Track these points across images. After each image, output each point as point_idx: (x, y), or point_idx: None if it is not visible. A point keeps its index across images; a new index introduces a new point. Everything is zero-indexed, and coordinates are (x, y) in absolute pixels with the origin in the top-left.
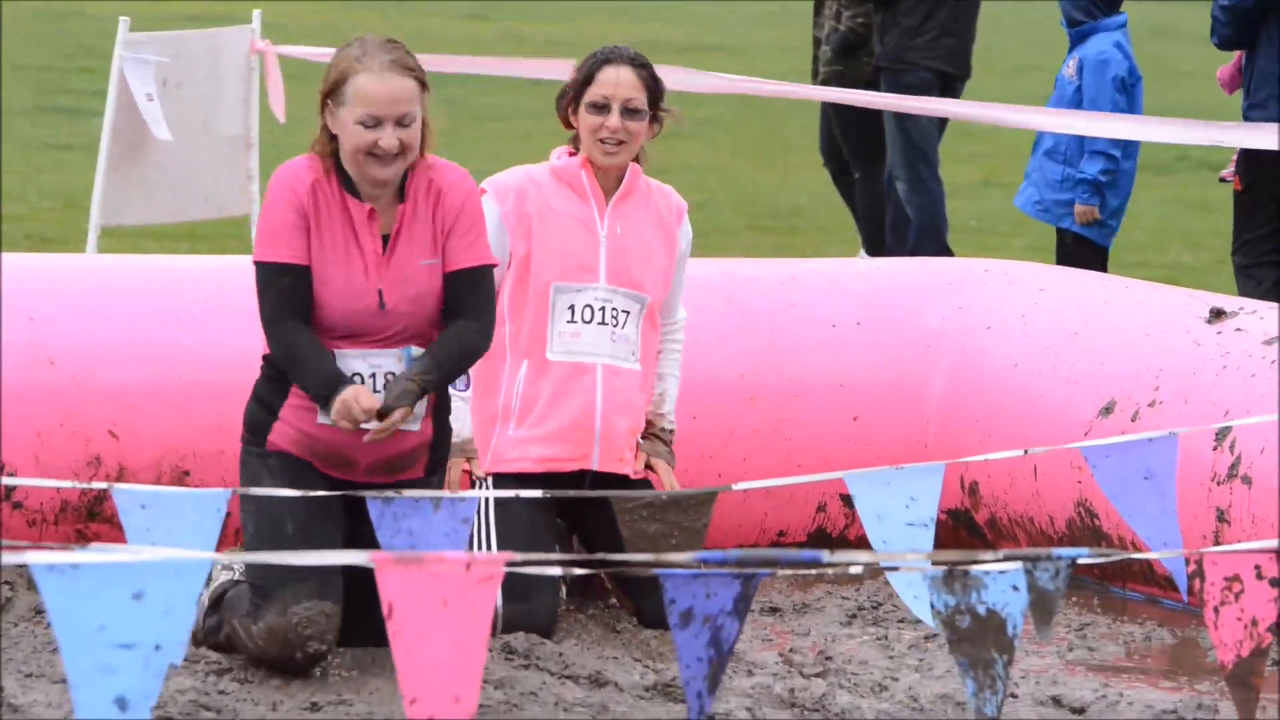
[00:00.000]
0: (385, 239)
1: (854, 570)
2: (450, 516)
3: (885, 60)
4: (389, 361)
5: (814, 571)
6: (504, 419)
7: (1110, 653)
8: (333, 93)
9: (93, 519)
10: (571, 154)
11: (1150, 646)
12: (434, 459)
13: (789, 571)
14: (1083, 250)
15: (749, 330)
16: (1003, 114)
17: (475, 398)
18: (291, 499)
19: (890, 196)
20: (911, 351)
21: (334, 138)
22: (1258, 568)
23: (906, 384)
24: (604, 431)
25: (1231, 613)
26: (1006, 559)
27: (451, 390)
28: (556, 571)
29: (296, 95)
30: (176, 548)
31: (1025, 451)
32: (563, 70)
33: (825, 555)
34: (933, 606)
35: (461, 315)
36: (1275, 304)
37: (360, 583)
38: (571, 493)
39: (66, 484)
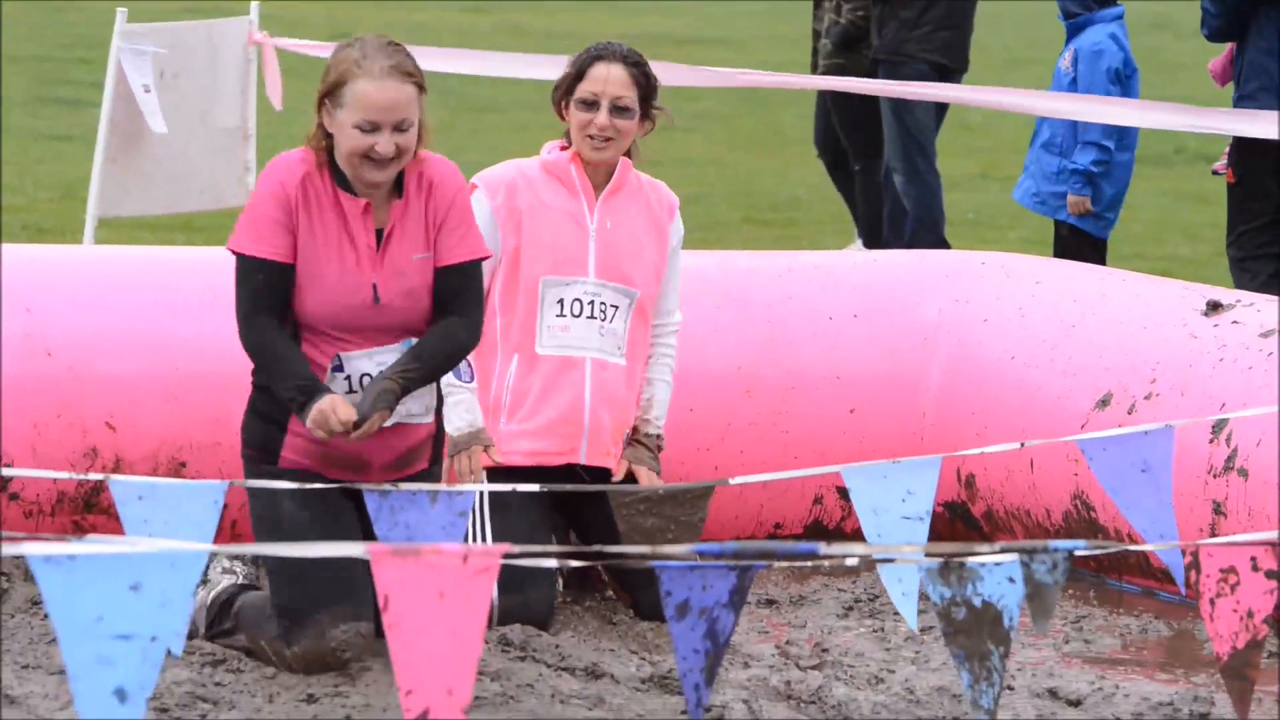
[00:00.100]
0: (378, 233)
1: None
2: (447, 509)
3: (883, 53)
4: (392, 356)
5: (810, 564)
6: (494, 413)
7: (1106, 645)
8: (331, 94)
9: (89, 510)
10: (564, 148)
11: (1146, 639)
12: (436, 450)
13: (785, 564)
14: (1079, 243)
15: (746, 323)
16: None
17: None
18: (314, 528)
19: (887, 189)
20: (908, 344)
21: (329, 134)
22: (1254, 560)
23: (903, 376)
24: (592, 426)
25: (1227, 605)
26: (1003, 551)
27: (457, 382)
28: (553, 564)
29: (293, 88)
30: (174, 539)
31: (1022, 444)
32: (558, 67)
33: (822, 548)
34: (929, 599)
35: (452, 310)
36: (1272, 297)
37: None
38: (568, 487)
39: (63, 475)
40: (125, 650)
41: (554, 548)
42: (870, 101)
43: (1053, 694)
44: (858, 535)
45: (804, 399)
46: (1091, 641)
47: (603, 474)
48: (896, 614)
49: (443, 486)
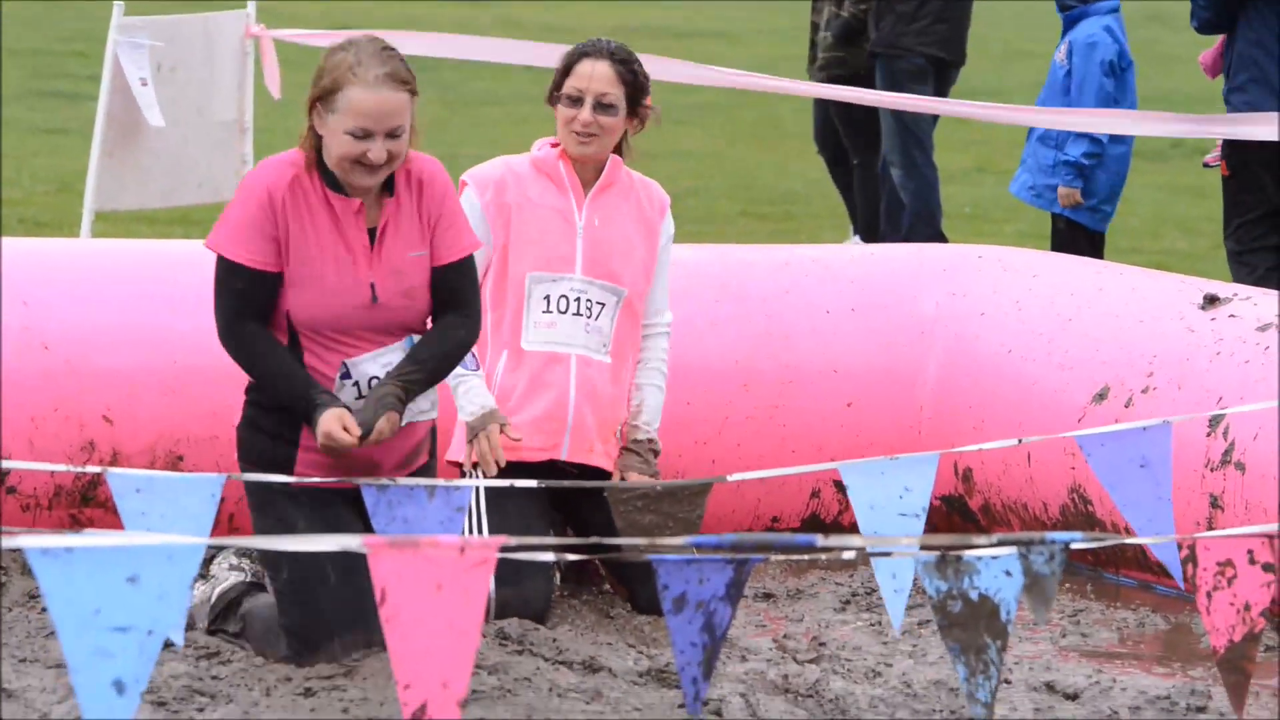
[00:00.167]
0: (371, 232)
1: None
2: (445, 504)
3: (880, 46)
4: (396, 355)
5: (807, 557)
6: None
7: (1103, 639)
8: (324, 98)
9: (86, 504)
10: (555, 145)
11: (1143, 632)
12: (433, 443)
13: (782, 557)
14: (1076, 236)
15: (744, 316)
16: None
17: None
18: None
19: (885, 182)
20: (905, 337)
21: (319, 135)
22: (1250, 553)
23: (900, 370)
24: (575, 422)
25: (1224, 598)
26: (1000, 544)
27: (463, 371)
28: (550, 557)
29: (291, 79)
30: (171, 532)
31: (1020, 441)
32: (553, 54)
33: (819, 540)
34: (925, 592)
35: (450, 308)
36: (1269, 290)
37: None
38: (566, 483)
39: (60, 468)
40: (123, 642)
41: (551, 540)
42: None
43: (1050, 687)
44: (855, 529)
45: (801, 393)
46: (1089, 635)
47: (594, 474)
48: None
49: (440, 481)
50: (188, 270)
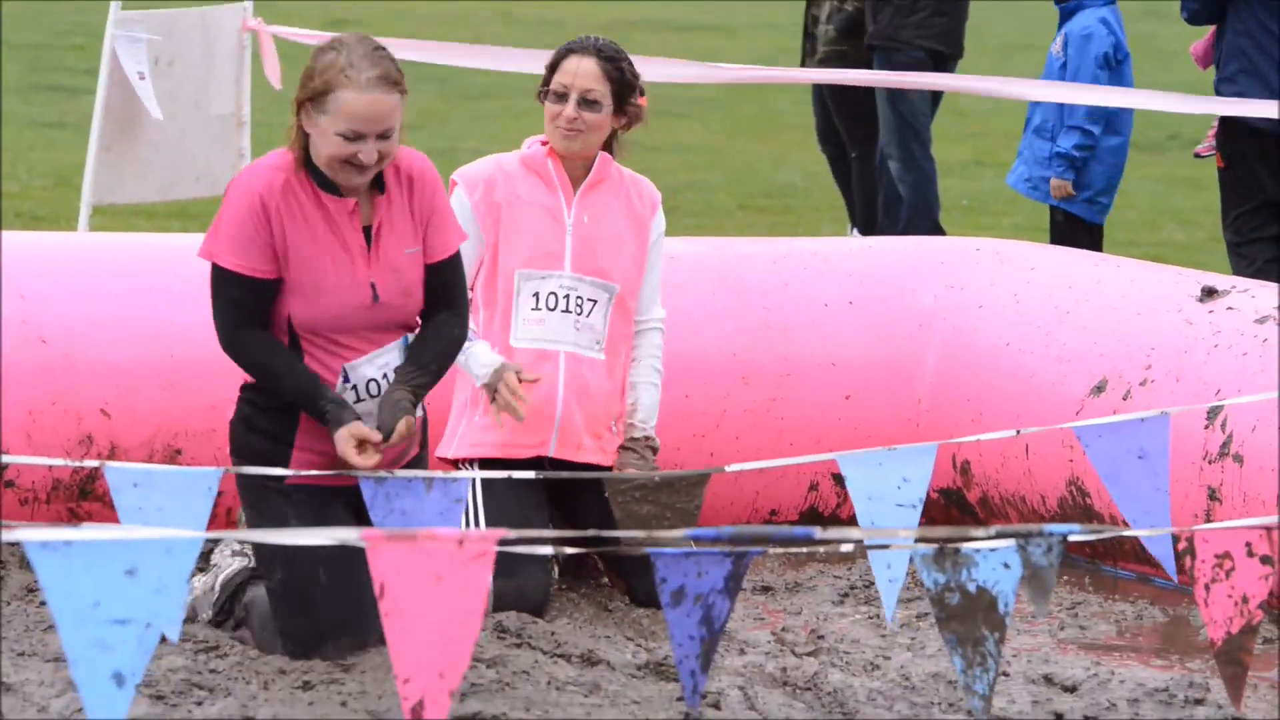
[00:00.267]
0: (365, 231)
1: (845, 549)
2: (443, 496)
3: (877, 39)
4: (393, 356)
5: (806, 550)
6: (472, 406)
7: (1102, 631)
8: (314, 100)
9: (84, 498)
10: (545, 143)
11: (1142, 625)
12: (424, 434)
13: (781, 550)
14: (1074, 228)
15: (742, 310)
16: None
17: (445, 383)
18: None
19: (882, 175)
20: (904, 330)
21: (306, 133)
22: (1248, 545)
23: (899, 363)
24: (563, 420)
25: (1222, 590)
26: (998, 536)
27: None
28: (548, 550)
29: (290, 74)
30: (168, 526)
31: (1018, 432)
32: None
33: (817, 532)
34: (923, 584)
35: (443, 305)
36: (1266, 282)
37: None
38: (564, 474)
39: (58, 462)
40: (122, 635)
41: (549, 532)
42: (866, 88)
43: (1048, 680)
44: (853, 521)
45: (800, 386)
46: (1087, 627)
47: (583, 470)
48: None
49: (438, 473)
50: (185, 264)
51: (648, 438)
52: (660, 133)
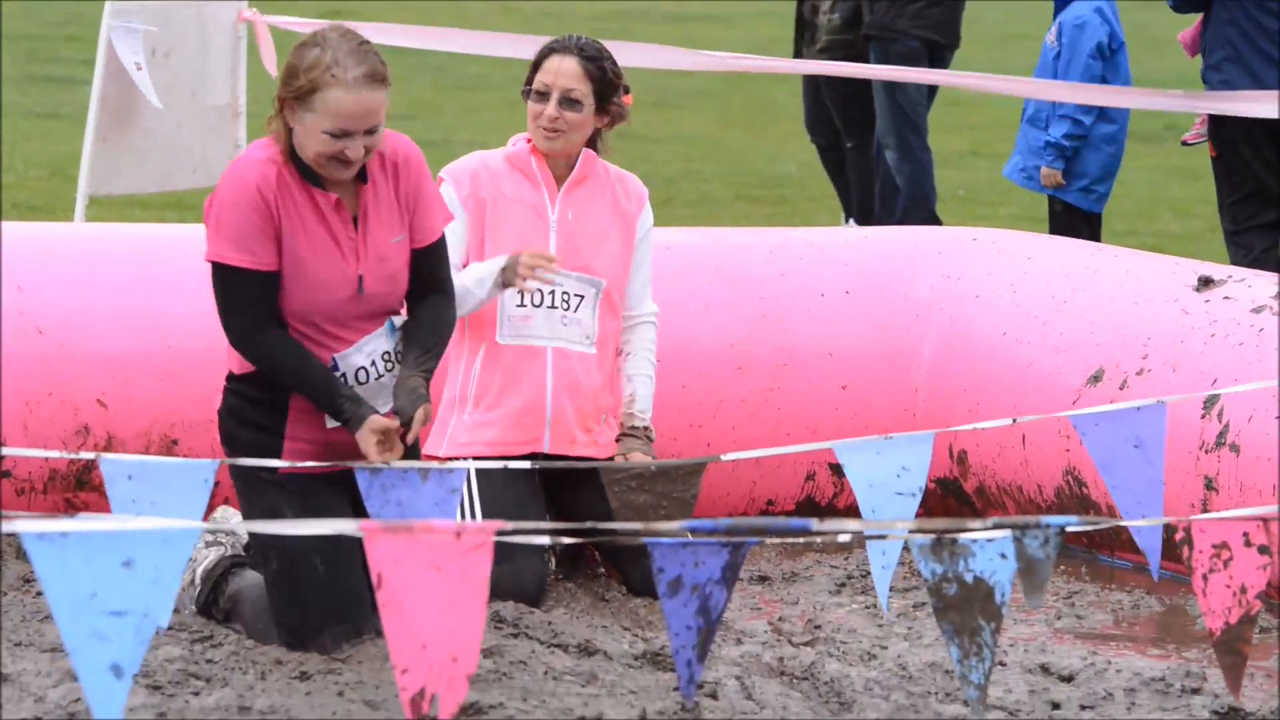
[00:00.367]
0: (353, 221)
1: (843, 539)
2: (439, 487)
3: (874, 29)
4: (381, 342)
5: (802, 540)
6: (460, 404)
7: (1098, 621)
8: (299, 98)
9: (81, 488)
10: (529, 140)
11: (1138, 614)
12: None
13: (777, 540)
14: (1072, 218)
15: (738, 300)
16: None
17: (435, 381)
18: (316, 540)
19: (879, 165)
20: (900, 320)
21: (290, 128)
22: (1246, 535)
23: (895, 353)
24: (555, 415)
25: (1220, 580)
26: (995, 527)
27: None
28: (545, 541)
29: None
30: (162, 518)
31: (1014, 420)
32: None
33: (814, 524)
34: (920, 575)
35: (431, 288)
36: (1263, 272)
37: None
38: (559, 464)
39: (54, 454)
40: (119, 626)
41: (547, 524)
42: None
43: (1045, 669)
44: (850, 511)
45: (796, 376)
46: (1083, 617)
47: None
48: (889, 590)
49: (434, 465)
50: (182, 254)
51: (646, 428)
52: (656, 123)
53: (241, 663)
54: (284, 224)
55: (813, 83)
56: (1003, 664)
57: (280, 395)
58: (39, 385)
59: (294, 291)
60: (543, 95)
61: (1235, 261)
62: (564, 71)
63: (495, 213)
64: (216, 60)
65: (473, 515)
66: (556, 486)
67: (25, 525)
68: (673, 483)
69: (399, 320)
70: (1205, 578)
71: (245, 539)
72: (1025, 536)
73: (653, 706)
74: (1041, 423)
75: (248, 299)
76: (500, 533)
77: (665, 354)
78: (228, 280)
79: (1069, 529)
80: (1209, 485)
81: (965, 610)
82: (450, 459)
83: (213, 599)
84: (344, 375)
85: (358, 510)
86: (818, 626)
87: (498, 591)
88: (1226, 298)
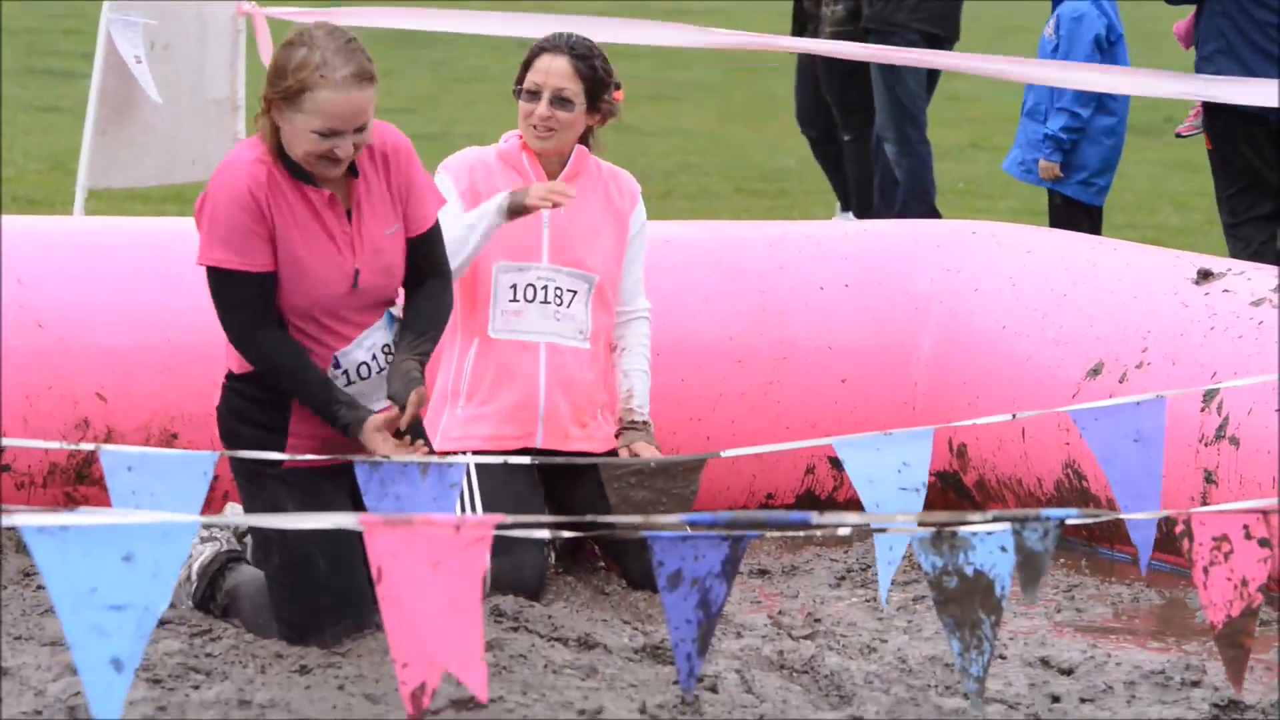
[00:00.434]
0: (347, 216)
1: (842, 532)
2: (438, 481)
3: (873, 23)
4: (380, 335)
5: (802, 533)
6: (453, 398)
7: (1098, 614)
8: (288, 99)
9: (81, 481)
10: (521, 137)
11: (1138, 607)
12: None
13: (777, 533)
14: (1072, 211)
15: (737, 293)
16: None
17: (428, 371)
18: (317, 535)
19: (878, 158)
20: (900, 314)
21: (278, 127)
22: (1246, 528)
23: (895, 346)
24: (548, 410)
25: (1221, 573)
26: (995, 520)
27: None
28: (545, 534)
29: None
30: (162, 510)
31: (1013, 416)
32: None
33: (814, 517)
34: (920, 568)
35: (428, 274)
36: (1262, 265)
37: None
38: (558, 460)
39: (54, 445)
40: (119, 620)
41: (546, 517)
42: (860, 70)
43: (1044, 663)
44: (850, 505)
45: (795, 369)
46: (1083, 610)
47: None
48: (890, 583)
49: (434, 459)
50: (181, 248)
51: (645, 422)
52: (656, 117)
53: (241, 656)
54: (277, 223)
55: (808, 75)
56: (1002, 657)
57: (282, 393)
58: (39, 379)
59: (292, 289)
60: (534, 95)
61: (1234, 254)
62: (555, 71)
63: None
64: (215, 54)
65: (473, 509)
66: (551, 480)
67: (25, 519)
68: (672, 479)
69: (397, 311)
70: (1206, 570)
71: (241, 534)
72: (1025, 530)
73: (653, 700)
74: (1041, 416)
75: (244, 301)
76: (500, 526)
77: (664, 347)
78: (223, 284)
79: (1069, 522)
80: (1209, 478)
81: (965, 603)
82: (445, 454)
83: (209, 594)
84: (346, 373)
85: (358, 505)
86: (818, 620)
87: (498, 585)
88: (1226, 291)
